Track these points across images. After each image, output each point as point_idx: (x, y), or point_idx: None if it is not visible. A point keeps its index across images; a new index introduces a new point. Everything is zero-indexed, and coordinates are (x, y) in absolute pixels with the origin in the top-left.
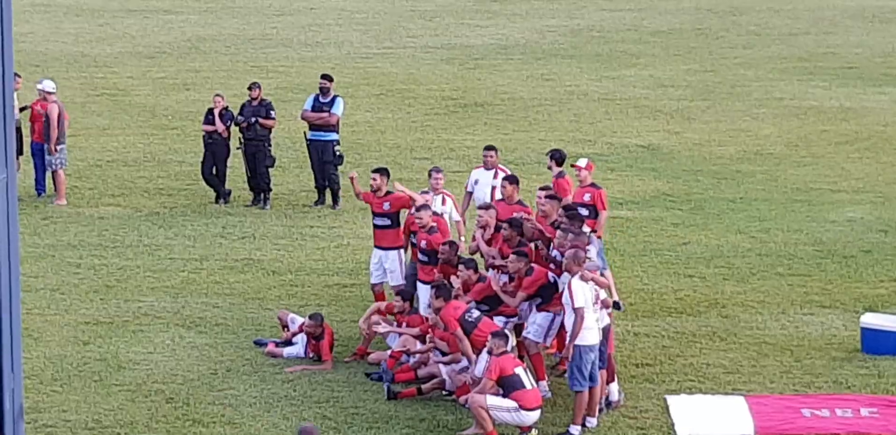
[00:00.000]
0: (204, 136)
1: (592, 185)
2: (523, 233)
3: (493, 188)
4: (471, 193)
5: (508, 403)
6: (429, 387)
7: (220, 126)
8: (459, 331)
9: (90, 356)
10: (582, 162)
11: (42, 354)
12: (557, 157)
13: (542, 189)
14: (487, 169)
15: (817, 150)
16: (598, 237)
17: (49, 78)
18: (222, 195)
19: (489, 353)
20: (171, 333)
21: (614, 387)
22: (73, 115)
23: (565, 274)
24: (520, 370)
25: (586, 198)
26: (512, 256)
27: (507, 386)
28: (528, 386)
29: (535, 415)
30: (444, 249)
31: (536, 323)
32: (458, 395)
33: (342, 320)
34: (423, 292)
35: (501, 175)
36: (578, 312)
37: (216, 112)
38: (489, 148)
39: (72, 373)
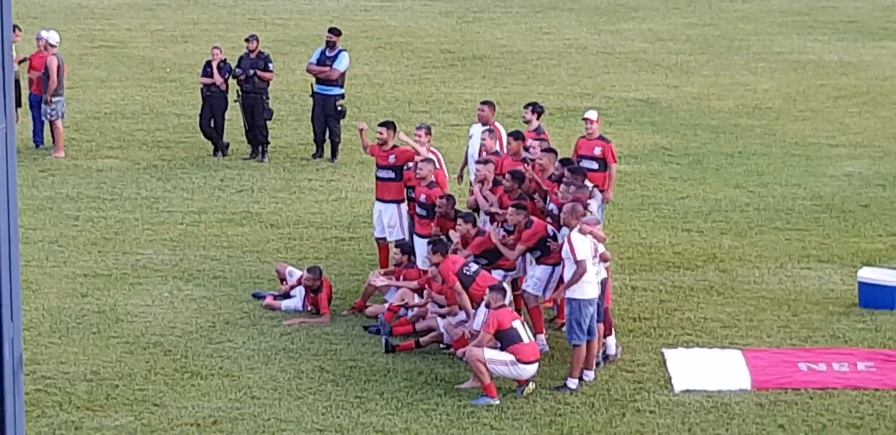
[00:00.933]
0: (202, 89)
1: (601, 138)
2: (523, 185)
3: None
4: (468, 148)
5: (506, 356)
6: (427, 340)
7: (218, 79)
8: (458, 285)
9: (88, 308)
10: (592, 114)
11: (40, 306)
12: (540, 110)
13: (536, 140)
14: (482, 124)
15: (816, 104)
16: (603, 190)
17: (52, 30)
18: (220, 148)
19: (487, 306)
20: (169, 285)
21: (611, 341)
22: (71, 68)
23: (564, 227)
24: (517, 324)
25: (597, 151)
26: (511, 209)
27: (504, 339)
28: (526, 339)
29: (532, 368)
30: (442, 203)
31: (535, 276)
32: (456, 348)
33: (340, 274)
34: (421, 246)
35: (495, 131)
36: (581, 265)
37: (214, 65)
38: (484, 102)
39: (70, 325)
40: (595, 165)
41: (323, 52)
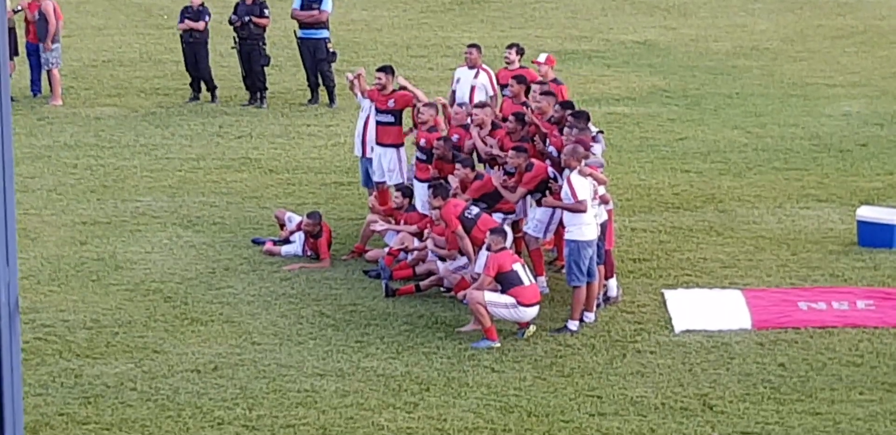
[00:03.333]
0: (181, 35)
1: (555, 80)
2: (524, 127)
3: (473, 88)
4: (454, 92)
5: (506, 298)
6: (427, 284)
7: (198, 24)
8: (460, 228)
9: (87, 256)
10: (542, 57)
11: (39, 254)
12: (521, 51)
13: (537, 84)
14: (470, 68)
15: (813, 44)
16: None
17: None
18: (210, 90)
19: (487, 249)
20: (168, 232)
21: (613, 283)
22: (68, 16)
23: (565, 169)
24: (518, 266)
25: None
26: (511, 152)
27: (505, 282)
28: (527, 282)
29: (533, 311)
30: (439, 145)
31: (536, 218)
32: (457, 291)
33: (339, 218)
34: (420, 190)
35: (483, 74)
36: (581, 205)
37: (194, 8)
38: (471, 45)
39: (69, 273)
40: None
41: None
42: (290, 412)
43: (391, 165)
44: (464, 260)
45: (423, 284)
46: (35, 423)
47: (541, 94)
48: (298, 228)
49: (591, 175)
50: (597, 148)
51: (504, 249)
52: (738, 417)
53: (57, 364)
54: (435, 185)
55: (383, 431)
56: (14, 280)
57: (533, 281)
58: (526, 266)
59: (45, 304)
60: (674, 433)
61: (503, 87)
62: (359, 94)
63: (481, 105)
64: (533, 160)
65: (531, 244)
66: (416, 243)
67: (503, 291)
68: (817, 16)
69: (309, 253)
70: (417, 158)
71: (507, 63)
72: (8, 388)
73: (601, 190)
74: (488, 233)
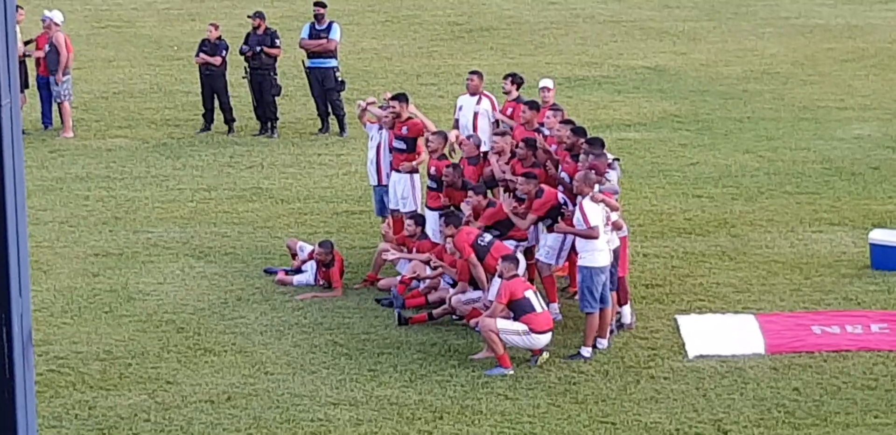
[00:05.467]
0: (200, 68)
1: (554, 105)
2: (537, 154)
3: (476, 114)
4: (458, 120)
5: (518, 326)
6: (439, 312)
7: (215, 58)
8: (473, 257)
9: (100, 288)
10: (549, 83)
11: (52, 286)
12: (519, 81)
13: (552, 109)
14: (472, 94)
15: (824, 68)
16: None
17: (56, 9)
18: (228, 122)
19: (499, 277)
20: (180, 263)
21: (627, 310)
22: (78, 48)
23: (578, 196)
24: (530, 293)
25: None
26: (521, 178)
27: (517, 309)
28: (539, 309)
29: (545, 338)
30: (448, 172)
31: (547, 245)
32: (468, 319)
33: (351, 247)
34: (431, 219)
35: (485, 100)
36: (593, 232)
37: (212, 42)
38: (472, 72)
39: (82, 304)
40: (548, 132)
41: (312, 26)
42: None
43: (405, 193)
44: (477, 293)
45: (435, 312)
46: None
47: (560, 122)
48: (310, 257)
49: (603, 201)
50: (612, 175)
51: (516, 275)
52: None
53: (70, 396)
54: (447, 214)
55: None
56: (27, 311)
57: (545, 308)
58: (538, 293)
59: (58, 336)
60: None
61: (502, 134)
62: (367, 123)
63: (501, 133)
64: (543, 186)
65: (543, 271)
66: (429, 271)
67: (515, 319)
68: (827, 39)
69: (321, 282)
70: (428, 187)
71: (505, 93)
72: (22, 420)
73: (614, 216)
74: (500, 260)
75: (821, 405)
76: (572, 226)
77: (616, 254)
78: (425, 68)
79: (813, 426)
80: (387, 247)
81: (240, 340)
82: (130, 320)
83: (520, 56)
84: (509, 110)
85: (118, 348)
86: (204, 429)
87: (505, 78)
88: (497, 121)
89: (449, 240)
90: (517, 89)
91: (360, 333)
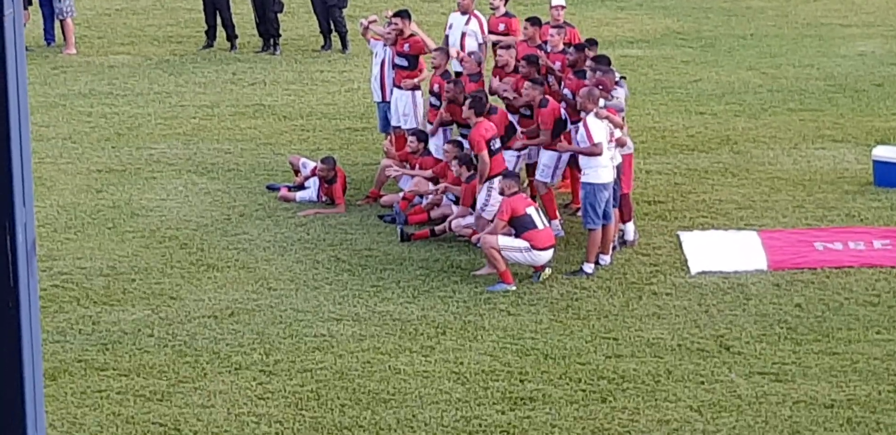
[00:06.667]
0: None
1: (566, 23)
2: (539, 70)
3: (464, 34)
4: (447, 37)
5: (520, 243)
6: (441, 228)
7: None
8: (485, 153)
9: (103, 204)
10: (561, 0)
11: (55, 202)
12: None
13: (553, 26)
14: (462, 13)
15: None
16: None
17: None
18: (231, 39)
19: (501, 194)
20: (183, 179)
21: (630, 227)
22: None
23: (582, 112)
24: (531, 210)
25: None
26: (527, 84)
27: (518, 226)
28: (540, 225)
29: (547, 254)
30: (449, 87)
31: (543, 163)
32: (471, 236)
33: (354, 164)
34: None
35: (474, 20)
36: (597, 148)
37: None
38: None
39: (85, 220)
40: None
41: None
42: (306, 357)
43: (406, 110)
44: (471, 218)
45: (437, 228)
46: (53, 369)
47: (564, 43)
48: (313, 173)
49: (606, 118)
50: (619, 92)
51: (517, 192)
52: (755, 357)
53: (75, 311)
54: (473, 97)
55: (400, 375)
56: (31, 221)
57: (547, 225)
58: (539, 210)
59: (62, 251)
60: (690, 375)
61: (493, 33)
62: (371, 40)
63: (506, 46)
64: (547, 97)
65: (541, 189)
66: (431, 187)
67: (517, 235)
68: None
69: (324, 198)
70: (431, 104)
71: (493, 9)
72: (27, 331)
73: (617, 133)
74: (501, 177)
75: (823, 321)
76: (570, 144)
77: (619, 170)
78: None
79: (815, 342)
80: (389, 163)
81: (243, 255)
82: (134, 236)
83: None
84: (501, 26)
85: (122, 264)
86: (207, 344)
87: None
88: (484, 42)
89: (449, 158)
90: (504, 4)
91: (362, 249)
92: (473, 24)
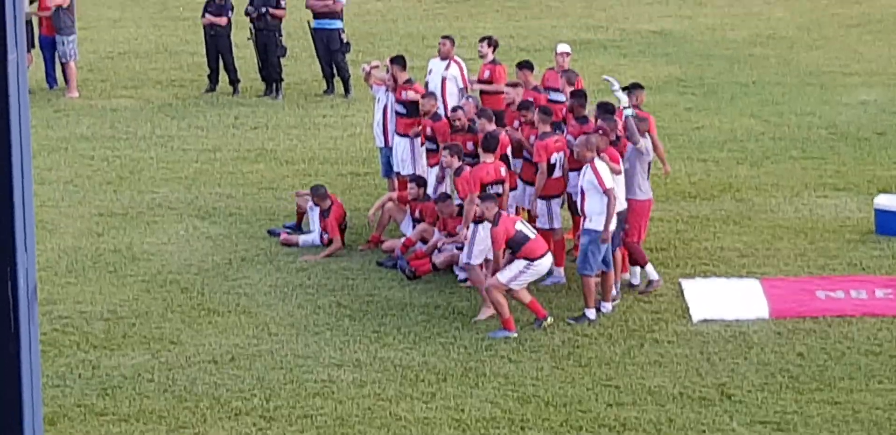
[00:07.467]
0: (205, 29)
1: (569, 70)
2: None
3: (444, 79)
4: (427, 83)
5: (519, 264)
6: (442, 261)
7: (220, 19)
8: (474, 195)
9: (104, 248)
10: (566, 47)
11: (56, 245)
12: (495, 44)
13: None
14: (442, 59)
15: (829, 32)
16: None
17: None
18: (233, 83)
19: (490, 221)
20: (184, 223)
21: (650, 268)
22: (84, 8)
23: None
24: (520, 225)
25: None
26: (539, 112)
27: (514, 246)
28: (532, 235)
29: (547, 260)
30: (457, 115)
31: (538, 213)
32: (445, 266)
33: (355, 209)
34: (431, 177)
35: (454, 65)
36: (609, 194)
37: (216, 2)
38: (444, 37)
39: (86, 264)
40: (562, 97)
41: None
42: (307, 403)
43: (404, 155)
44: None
45: (438, 261)
46: (53, 414)
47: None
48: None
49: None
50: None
51: (499, 214)
52: (757, 406)
53: (75, 355)
54: (449, 146)
55: (400, 422)
56: (32, 266)
57: (536, 232)
58: (524, 222)
59: (63, 295)
60: (692, 423)
61: (479, 82)
62: (373, 85)
63: (513, 84)
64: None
65: (555, 236)
66: (436, 235)
67: (514, 254)
68: (833, 4)
69: (327, 242)
70: (427, 148)
71: (481, 56)
72: (27, 376)
73: (619, 178)
74: (479, 201)
75: (825, 370)
76: (562, 190)
77: (623, 216)
78: (430, 31)
79: (817, 391)
80: (391, 198)
81: (243, 300)
82: (134, 280)
83: (525, 19)
84: (486, 73)
85: (122, 308)
86: (207, 389)
87: (481, 41)
88: (465, 87)
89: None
90: (493, 52)
91: (363, 294)
92: (454, 69)
